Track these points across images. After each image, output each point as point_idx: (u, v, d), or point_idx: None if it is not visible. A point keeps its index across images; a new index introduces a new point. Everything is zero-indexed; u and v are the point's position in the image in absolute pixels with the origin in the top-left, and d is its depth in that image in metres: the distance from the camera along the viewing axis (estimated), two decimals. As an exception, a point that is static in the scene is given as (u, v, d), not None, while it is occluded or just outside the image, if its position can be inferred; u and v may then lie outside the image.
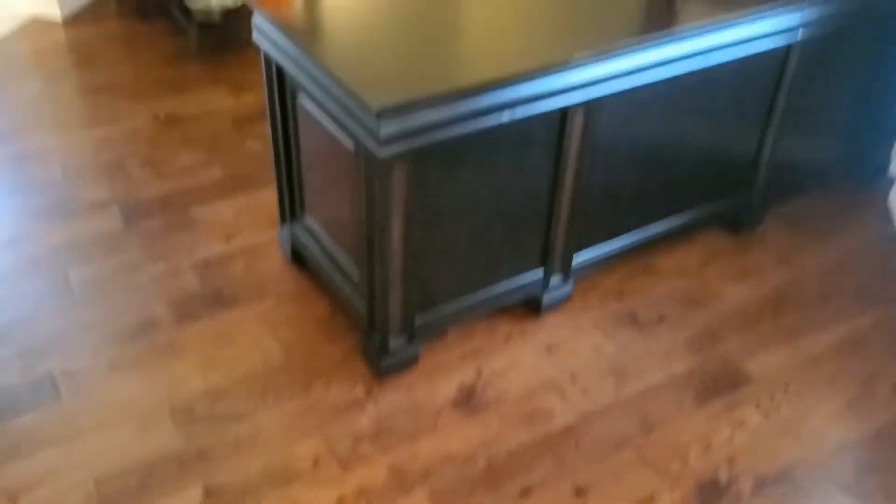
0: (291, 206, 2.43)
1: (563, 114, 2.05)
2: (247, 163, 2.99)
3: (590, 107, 2.07)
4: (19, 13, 3.93)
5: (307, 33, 2.05)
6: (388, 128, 1.76)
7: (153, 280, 2.45)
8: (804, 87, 2.50)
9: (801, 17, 2.30)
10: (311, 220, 2.37)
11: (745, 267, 2.61)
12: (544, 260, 2.30)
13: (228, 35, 3.70)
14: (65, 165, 2.94)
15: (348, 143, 1.96)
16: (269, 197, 2.65)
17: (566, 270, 2.37)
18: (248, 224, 2.69)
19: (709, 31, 2.14)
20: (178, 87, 3.44)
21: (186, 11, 3.65)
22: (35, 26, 3.86)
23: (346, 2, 2.21)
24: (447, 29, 2.13)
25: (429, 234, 2.03)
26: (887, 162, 3.05)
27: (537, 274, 2.31)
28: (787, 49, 2.38)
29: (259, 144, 3.06)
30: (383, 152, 1.78)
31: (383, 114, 1.73)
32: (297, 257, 2.50)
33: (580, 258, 2.39)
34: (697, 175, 2.52)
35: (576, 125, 2.09)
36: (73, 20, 3.92)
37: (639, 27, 2.15)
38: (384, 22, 2.12)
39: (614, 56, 2.01)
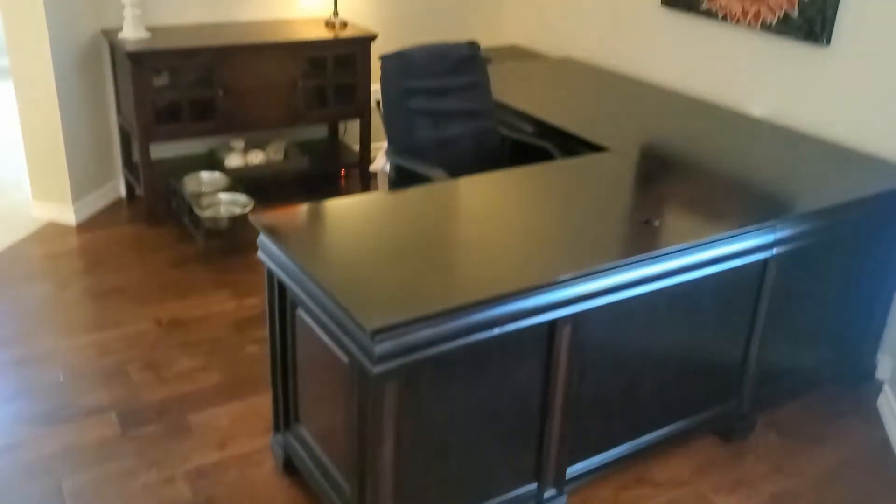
0: (286, 415, 2.47)
1: (552, 326, 2.14)
2: (245, 367, 3.04)
3: (577, 319, 2.16)
4: (37, 218, 4.12)
5: (307, 252, 2.17)
6: (383, 347, 1.83)
7: (145, 488, 2.44)
8: (785, 296, 2.61)
9: (774, 235, 2.44)
10: (304, 431, 2.40)
11: (739, 476, 2.60)
12: (538, 474, 2.31)
13: (234, 239, 3.87)
14: (67, 370, 2.99)
15: (343, 358, 2.03)
16: (264, 403, 2.69)
17: (560, 484, 2.36)
18: (242, 431, 2.71)
19: (686, 252, 2.27)
20: (182, 290, 3.56)
21: (195, 218, 3.84)
22: (50, 230, 4.04)
23: (345, 222, 2.35)
24: (439, 247, 2.26)
25: (420, 447, 2.05)
26: (874, 366, 3.11)
27: (531, 488, 2.31)
28: (765, 262, 2.51)
29: (257, 349, 3.13)
30: (377, 369, 1.85)
31: (378, 334, 1.81)
32: (290, 466, 2.50)
33: (574, 470, 2.39)
34: (687, 383, 2.57)
35: (564, 337, 2.17)
36: (87, 225, 4.11)
37: (621, 247, 2.28)
38: (380, 240, 2.25)
39: (598, 275, 2.12)
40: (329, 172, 4.69)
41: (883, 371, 3.10)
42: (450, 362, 2.00)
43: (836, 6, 3.03)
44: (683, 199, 2.65)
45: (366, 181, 4.62)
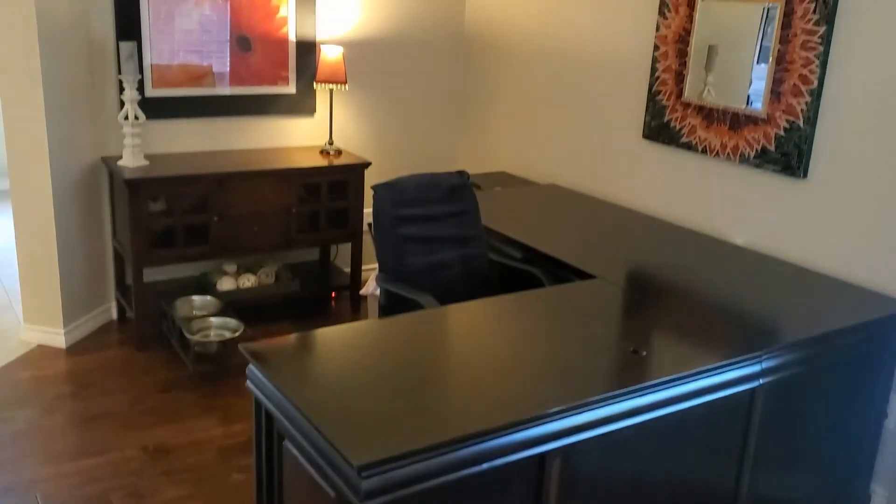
0: (271, 549, 2.41)
1: (541, 459, 2.12)
2: (230, 497, 2.99)
3: (566, 452, 2.14)
4: (26, 341, 4.12)
5: (295, 383, 2.17)
6: (370, 482, 1.81)
7: None
8: (774, 426, 2.60)
9: (760, 366, 2.46)
10: (289, 566, 2.33)
11: None
12: None
13: (224, 364, 3.86)
14: (47, 500, 2.93)
15: (330, 492, 2.00)
16: (249, 536, 2.63)
17: None
18: (226, 565, 2.64)
19: (674, 384, 2.28)
20: (169, 415, 3.53)
21: (185, 342, 3.84)
22: (39, 353, 4.04)
23: (334, 352, 2.37)
24: (428, 378, 2.27)
25: (408, 586, 2.00)
26: (868, 496, 3.08)
27: None
28: (752, 392, 2.52)
29: (243, 477, 3.08)
30: (364, 505, 1.83)
31: (365, 469, 1.80)
32: None
33: None
34: (678, 516, 2.54)
35: (554, 470, 2.15)
36: (77, 348, 4.10)
37: (610, 378, 2.30)
38: (369, 371, 2.26)
39: (588, 408, 2.13)
40: (320, 295, 4.73)
41: (878, 502, 3.06)
42: (438, 498, 1.97)
43: (812, 141, 3.16)
44: (670, 328, 2.69)
45: (356, 305, 4.66)
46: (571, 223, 3.80)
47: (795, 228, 3.28)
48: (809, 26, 3.10)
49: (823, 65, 3.09)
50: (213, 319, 4.02)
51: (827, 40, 3.07)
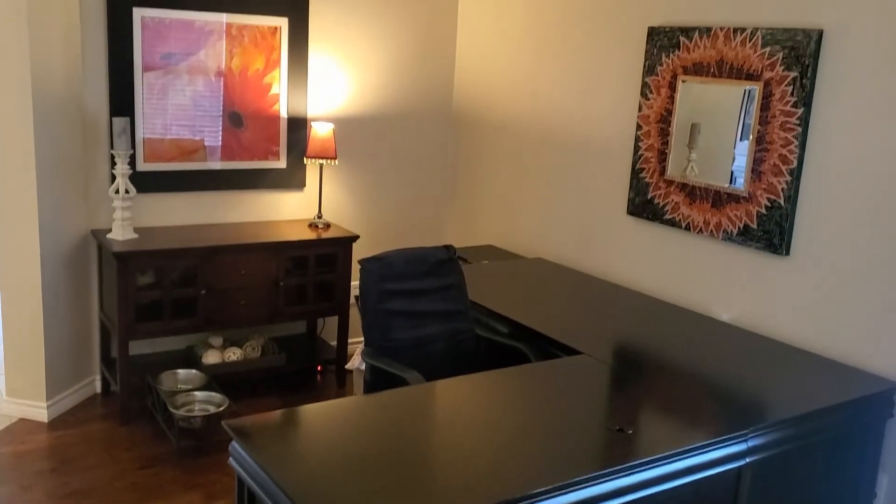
0: None
1: (527, 540, 2.10)
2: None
3: (552, 534, 2.12)
4: (7, 415, 4.07)
5: (278, 462, 2.15)
6: (351, 565, 1.79)
7: None
8: (762, 501, 2.58)
9: (746, 444, 2.46)
10: None
11: None
12: None
13: (208, 439, 3.82)
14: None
15: (312, 575, 1.97)
16: None
17: None
18: None
19: (660, 463, 2.27)
20: (151, 493, 3.47)
21: (169, 417, 3.80)
22: (21, 427, 3.98)
23: (319, 430, 2.35)
24: (412, 456, 2.25)
25: None
26: (859, 578, 3.03)
27: None
28: (739, 471, 2.50)
29: (225, 558, 3.02)
30: (345, 589, 1.80)
31: (346, 551, 1.78)
32: None
33: None
34: None
35: (539, 552, 2.13)
36: (59, 422, 4.05)
37: (595, 457, 2.29)
38: (353, 449, 2.24)
39: (573, 488, 2.11)
40: (306, 369, 4.71)
41: (869, 582, 3.02)
42: (421, 580, 1.95)
43: (793, 219, 3.22)
44: (657, 405, 2.69)
45: (342, 379, 4.64)
46: (558, 298, 3.82)
47: (779, 305, 3.31)
48: (788, 108, 3.19)
49: (802, 145, 3.17)
50: (198, 394, 3.99)
51: (805, 121, 3.15)
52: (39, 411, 4.04)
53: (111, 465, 3.70)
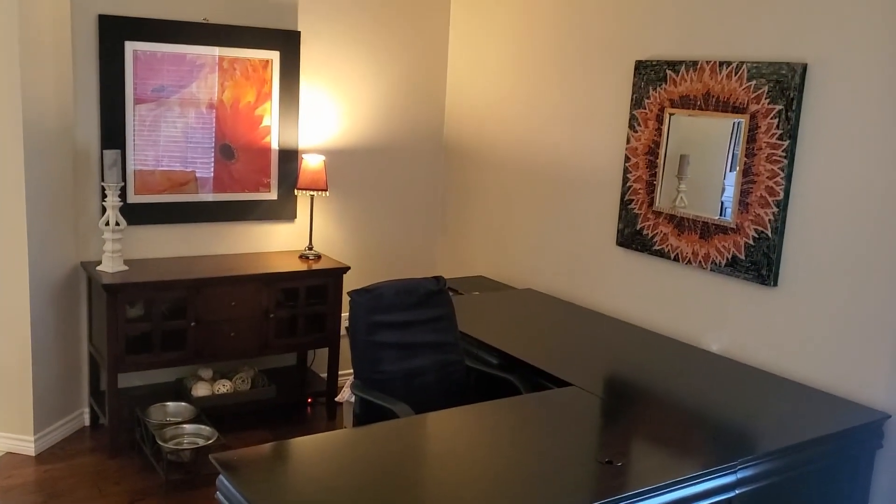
0: None
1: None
2: None
3: (541, 569, 2.11)
4: (-5, 449, 4.04)
5: (266, 497, 2.14)
6: None
7: None
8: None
9: (735, 476, 2.45)
10: None
11: None
12: None
13: (197, 472, 3.79)
14: None
15: None
16: None
17: None
18: None
19: (649, 496, 2.27)
20: (138, 527, 3.44)
21: (158, 450, 3.78)
22: (8, 461, 3.94)
23: (308, 464, 2.34)
24: (401, 491, 2.24)
25: None
26: None
27: None
28: (729, 501, 2.50)
29: None
30: None
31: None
32: None
33: None
34: None
35: (529, 586, 2.11)
36: (47, 456, 4.02)
37: (584, 490, 2.28)
38: (342, 484, 2.24)
39: (560, 520, 2.11)
40: (296, 401, 4.69)
41: None
42: None
43: (781, 251, 3.24)
44: (645, 437, 2.69)
45: (332, 412, 4.62)
46: (548, 329, 3.82)
47: (768, 336, 3.32)
48: (773, 140, 3.23)
49: (789, 177, 3.20)
50: (187, 426, 3.97)
51: (791, 153, 3.18)
52: (27, 445, 4.00)
53: (99, 498, 3.66)
